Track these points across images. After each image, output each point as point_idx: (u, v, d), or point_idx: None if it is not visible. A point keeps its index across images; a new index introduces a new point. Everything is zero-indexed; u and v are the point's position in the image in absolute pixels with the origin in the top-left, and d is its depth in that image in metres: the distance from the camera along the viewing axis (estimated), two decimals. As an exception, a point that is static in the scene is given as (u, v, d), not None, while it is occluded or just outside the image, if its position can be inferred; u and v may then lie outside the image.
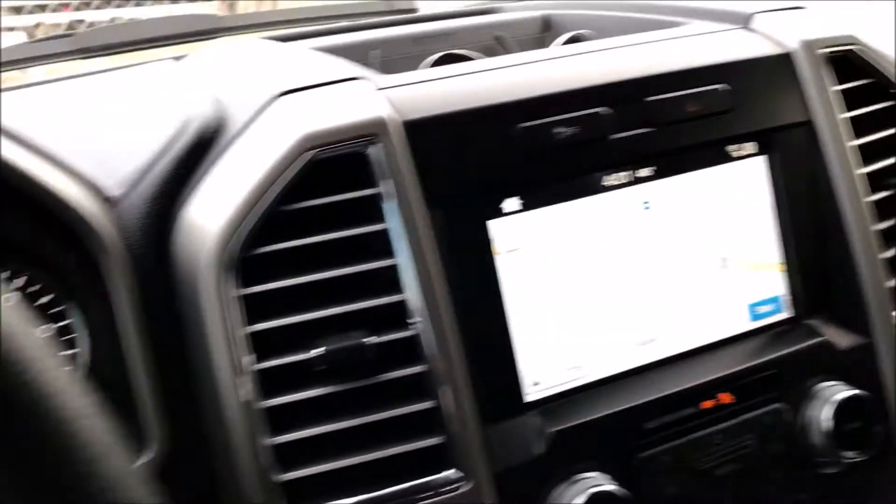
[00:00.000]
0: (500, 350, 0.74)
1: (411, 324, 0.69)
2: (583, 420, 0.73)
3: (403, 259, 0.69)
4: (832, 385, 0.81)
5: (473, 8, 1.33)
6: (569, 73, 0.79)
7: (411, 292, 0.69)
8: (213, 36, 1.35)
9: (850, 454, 0.79)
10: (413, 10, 1.47)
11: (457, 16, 1.24)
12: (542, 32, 1.16)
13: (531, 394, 0.75)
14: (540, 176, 0.75)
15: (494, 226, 0.74)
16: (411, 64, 0.97)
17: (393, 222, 0.69)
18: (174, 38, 1.31)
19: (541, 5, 1.23)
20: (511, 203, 0.75)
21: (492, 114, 0.73)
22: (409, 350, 0.69)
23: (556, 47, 0.93)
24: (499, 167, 0.74)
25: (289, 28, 1.40)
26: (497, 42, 1.13)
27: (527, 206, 0.75)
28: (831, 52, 0.88)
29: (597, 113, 0.76)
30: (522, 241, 0.75)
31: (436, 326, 0.69)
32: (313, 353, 0.66)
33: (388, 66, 1.02)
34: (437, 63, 0.91)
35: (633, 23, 1.00)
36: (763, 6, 0.93)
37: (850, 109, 0.89)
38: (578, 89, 0.77)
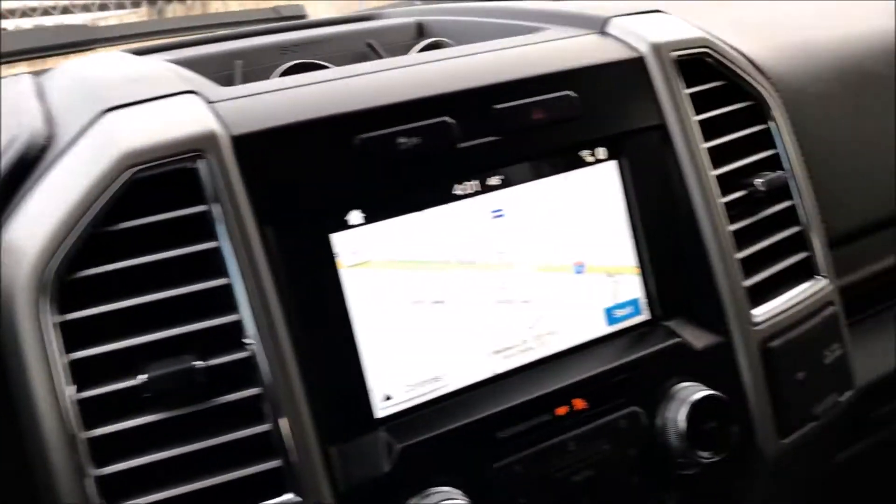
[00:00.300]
0: (347, 367, 0.72)
1: (247, 345, 0.67)
2: (433, 434, 0.72)
3: (236, 278, 0.67)
4: (688, 386, 0.82)
5: (353, 14, 1.32)
6: (414, 81, 0.78)
7: (245, 313, 0.67)
8: (89, 48, 1.31)
9: (705, 455, 0.80)
10: (302, 17, 1.45)
11: (332, 23, 1.23)
12: (417, 39, 1.15)
13: (382, 410, 0.74)
14: (384, 187, 0.74)
15: (338, 239, 0.72)
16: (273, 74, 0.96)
17: (223, 241, 0.67)
18: (42, 50, 1.27)
19: (416, 11, 1.22)
20: (355, 216, 0.73)
21: (330, 125, 0.72)
22: (244, 372, 0.67)
23: (409, 55, 0.92)
24: (340, 179, 0.72)
25: (170, 38, 1.37)
26: (369, 49, 1.12)
27: (371, 219, 0.74)
28: (683, 56, 0.88)
29: (442, 122, 0.75)
30: (369, 253, 0.74)
31: (271, 347, 0.67)
32: (138, 379, 0.63)
33: (249, 77, 0.99)
34: (287, 73, 0.89)
35: (496, 28, 1.00)
36: (621, 10, 0.94)
37: (705, 112, 0.90)
38: (422, 98, 0.76)
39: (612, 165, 0.85)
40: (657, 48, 0.87)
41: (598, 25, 0.91)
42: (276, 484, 0.66)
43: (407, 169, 0.74)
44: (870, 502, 1.55)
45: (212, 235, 0.67)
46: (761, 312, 0.88)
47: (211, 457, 0.65)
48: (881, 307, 1.14)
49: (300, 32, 1.15)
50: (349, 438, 0.71)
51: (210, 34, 1.19)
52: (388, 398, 0.75)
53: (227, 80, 1.01)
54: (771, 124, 0.94)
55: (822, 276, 0.94)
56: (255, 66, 1.03)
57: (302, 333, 0.70)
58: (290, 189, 0.70)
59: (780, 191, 0.92)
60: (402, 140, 0.73)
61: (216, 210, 0.67)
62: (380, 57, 1.07)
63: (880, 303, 1.14)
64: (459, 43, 0.95)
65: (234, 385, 0.66)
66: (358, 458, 0.70)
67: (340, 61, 1.05)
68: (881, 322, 1.13)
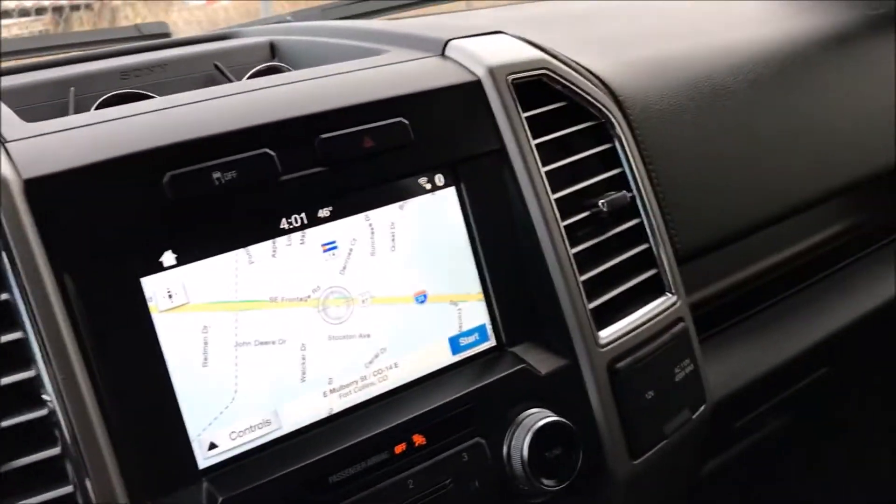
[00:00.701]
0: (163, 417, 0.68)
1: (46, 402, 0.63)
2: (259, 482, 0.69)
3: (30, 332, 0.62)
4: (534, 413, 0.81)
5: (210, 33, 1.27)
6: (234, 112, 0.75)
7: (41, 367, 0.62)
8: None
9: (549, 483, 0.79)
10: (166, 35, 1.39)
11: (186, 43, 1.18)
12: (271, 60, 1.12)
13: (206, 459, 0.70)
14: (200, 225, 0.70)
15: (150, 283, 0.68)
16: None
17: (14, 292, 0.62)
18: None
19: (271, 30, 1.18)
20: (168, 257, 0.69)
21: (136, 162, 0.68)
22: (43, 431, 0.62)
23: (236, 83, 0.88)
24: (150, 219, 0.68)
25: (20, 58, 1.30)
26: (217, 72, 1.08)
27: (187, 259, 0.70)
28: (520, 78, 0.88)
29: (262, 154, 0.72)
30: (186, 296, 0.70)
31: (71, 403, 0.63)
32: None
33: (82, 105, 0.94)
34: (107, 103, 0.85)
35: (341, 50, 0.97)
36: (462, 31, 0.92)
37: (549, 133, 0.90)
38: (239, 130, 0.72)
39: (451, 192, 0.83)
40: (493, 71, 0.86)
41: (438, 48, 0.90)
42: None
43: (225, 205, 0.71)
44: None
45: (3, 286, 0.63)
46: (608, 333, 0.87)
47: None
48: (736, 319, 1.16)
49: (148, 55, 1.10)
50: (168, 492, 0.67)
51: (49, 57, 1.12)
52: (214, 446, 0.71)
53: (61, 109, 0.96)
54: (616, 143, 0.94)
55: (671, 293, 0.94)
56: (91, 93, 0.98)
57: (111, 385, 0.66)
58: (93, 232, 0.66)
59: (625, 210, 0.93)
60: (217, 175, 0.70)
61: (5, 259, 0.62)
62: (227, 80, 1.03)
63: (735, 315, 1.16)
64: (306, 64, 0.92)
65: (32, 446, 0.62)
66: (177, 517, 0.67)
67: (185, 85, 1.02)
68: (737, 333, 1.15)
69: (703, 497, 1.28)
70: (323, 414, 0.76)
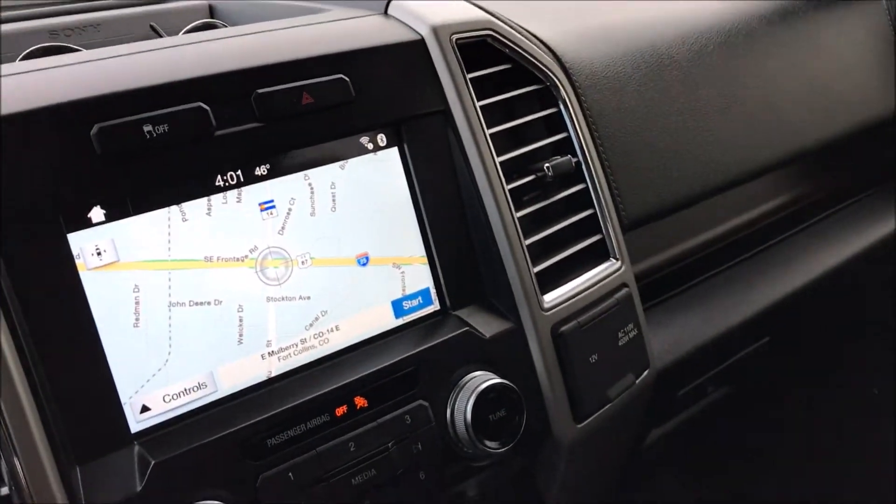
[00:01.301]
0: (92, 378, 0.66)
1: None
2: (193, 445, 0.67)
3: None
4: (477, 376, 0.80)
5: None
6: (168, 65, 0.72)
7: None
8: None
9: (493, 445, 0.78)
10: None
11: (119, 6, 1.14)
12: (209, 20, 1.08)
13: (139, 423, 0.68)
14: (130, 180, 0.68)
15: (78, 239, 0.66)
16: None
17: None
18: None
19: (211, -8, 1.15)
20: (97, 213, 0.66)
21: (61, 114, 0.65)
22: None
23: (170, 37, 0.85)
24: (77, 172, 0.65)
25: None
26: (153, 31, 1.04)
27: (116, 215, 0.67)
28: (464, 38, 0.86)
29: (196, 108, 0.70)
30: (116, 253, 0.67)
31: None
32: None
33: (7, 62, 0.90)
34: (28, 56, 0.81)
35: (283, 10, 0.95)
36: (405, -9, 0.90)
37: (492, 96, 0.88)
38: (172, 82, 0.70)
39: (394, 152, 0.81)
40: (437, 30, 0.84)
41: (381, 7, 0.88)
42: (6, 516, 0.60)
43: (156, 160, 0.68)
44: (681, 477, 1.61)
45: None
46: (552, 298, 0.87)
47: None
48: (679, 289, 1.17)
49: (80, 15, 1.05)
50: (99, 456, 0.65)
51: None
52: (146, 409, 0.69)
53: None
54: (562, 106, 0.94)
55: (615, 258, 0.94)
56: (17, 52, 0.94)
57: (37, 343, 0.63)
58: (17, 185, 0.63)
59: (570, 175, 0.92)
60: (148, 128, 0.67)
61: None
62: (163, 41, 1.00)
63: (678, 286, 1.17)
64: (246, 23, 0.89)
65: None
66: (108, 478, 0.64)
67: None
68: (680, 303, 1.15)
69: (646, 468, 1.29)
70: (262, 377, 0.74)
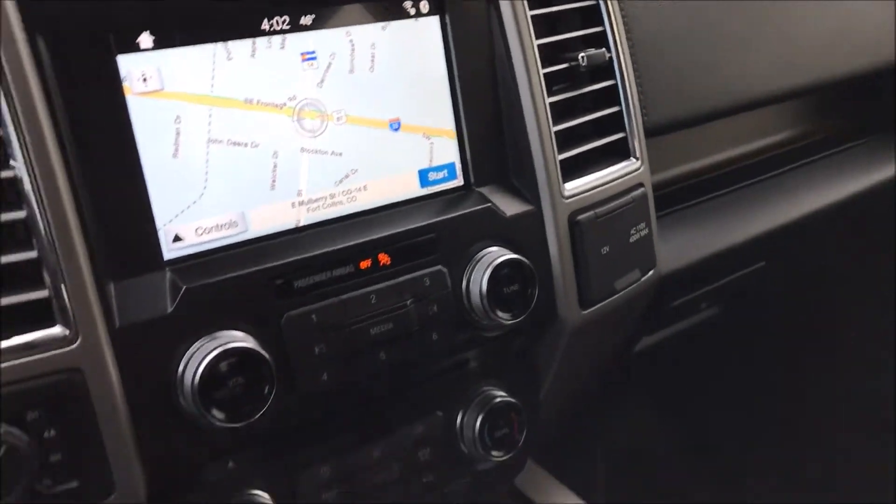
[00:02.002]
0: (131, 201, 0.67)
1: (12, 166, 0.61)
2: (223, 277, 0.69)
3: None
4: (495, 251, 0.82)
5: None
6: None
7: (9, 131, 0.60)
8: None
9: (505, 316, 0.81)
10: None
11: None
12: None
13: (171, 251, 0.70)
14: (182, 11, 0.68)
15: (126, 62, 0.66)
16: None
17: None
18: None
19: None
20: (145, 38, 0.67)
21: (120, -67, 0.65)
22: (9, 193, 0.61)
23: None
24: (129, -4, 0.65)
25: None
26: None
27: (164, 43, 0.68)
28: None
29: (251, -53, 0.70)
30: (163, 81, 0.68)
31: (37, 167, 0.61)
32: None
33: None
34: None
35: None
36: None
37: (535, -20, 0.88)
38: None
39: (435, 21, 0.82)
40: None
41: None
42: (45, 316, 0.61)
43: (209, -7, 0.69)
44: (666, 385, 1.66)
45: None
46: (573, 186, 0.89)
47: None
48: (687, 204, 1.20)
49: None
50: (131, 276, 0.67)
51: None
52: (179, 239, 0.70)
53: None
54: (599, 1, 0.94)
55: (636, 158, 0.96)
56: None
57: (83, 161, 0.64)
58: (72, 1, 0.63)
59: (602, 69, 0.93)
60: (206, -39, 0.67)
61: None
62: None
63: (684, 201, 1.19)
64: None
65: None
66: (140, 296, 0.66)
67: None
68: (686, 217, 1.18)
69: (635, 375, 1.34)
70: (290, 224, 0.76)
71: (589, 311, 0.91)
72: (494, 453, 0.88)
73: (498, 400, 0.88)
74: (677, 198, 1.20)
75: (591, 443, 1.81)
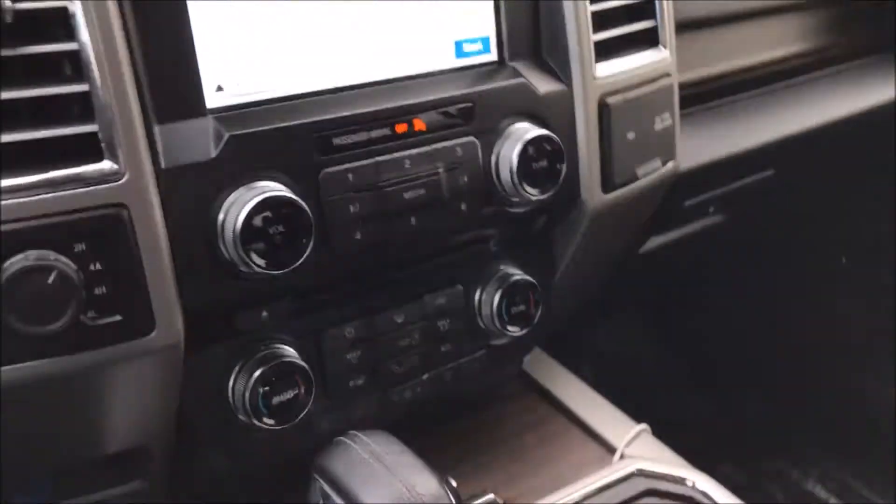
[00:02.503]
0: (178, 47, 0.67)
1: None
2: (265, 127, 0.69)
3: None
4: (526, 126, 0.83)
5: None
6: None
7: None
8: None
9: (533, 191, 0.82)
10: None
11: None
12: None
13: (214, 99, 0.70)
14: None
15: None
16: None
17: None
18: None
19: None
20: None
21: None
22: (61, 26, 0.61)
23: None
24: None
25: None
26: None
27: None
28: None
29: None
30: (210, -74, 0.67)
31: (95, 5, 0.61)
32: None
33: None
34: None
35: None
36: None
37: None
38: None
39: None
40: None
41: None
42: (94, 151, 0.62)
43: None
44: (672, 285, 1.70)
45: None
46: (604, 69, 0.89)
47: (29, 112, 0.60)
48: (705, 105, 1.21)
49: None
50: (177, 120, 0.67)
51: None
52: (221, 89, 0.71)
53: None
54: None
55: (665, 47, 0.96)
56: None
57: (132, 6, 0.64)
58: None
59: (639, -46, 0.93)
60: None
61: None
62: None
63: (705, 102, 1.20)
64: None
65: (50, 38, 0.60)
66: (184, 140, 0.67)
67: None
68: (702, 119, 1.19)
69: (640, 275, 1.37)
70: (328, 84, 0.76)
71: (611, 194, 0.92)
72: (510, 328, 0.91)
73: (516, 278, 0.91)
74: (692, 100, 1.21)
75: (586, 348, 1.86)
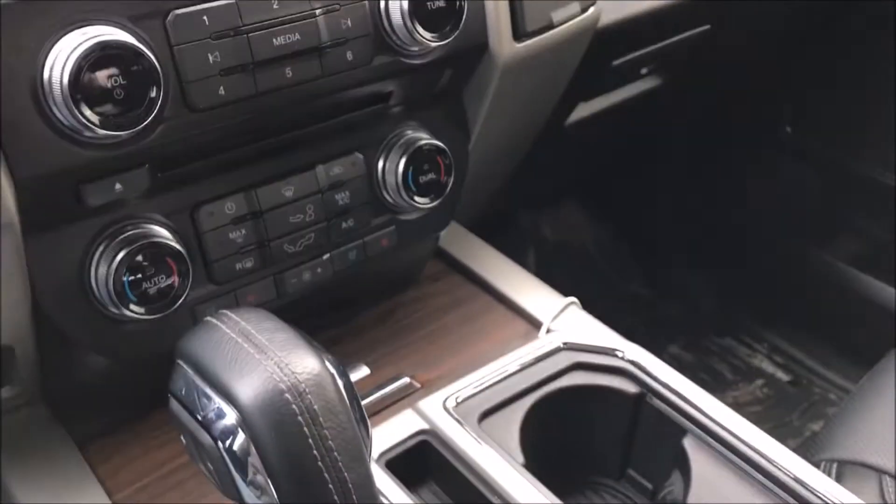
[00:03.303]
0: None
1: None
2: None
3: None
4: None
5: None
6: None
7: None
8: None
9: (429, 36, 0.72)
10: None
11: None
12: None
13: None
14: None
15: None
16: None
17: None
18: None
19: None
20: None
21: None
22: None
23: None
24: None
25: None
26: None
27: None
28: None
29: None
30: None
31: None
32: None
33: None
34: None
35: None
36: None
37: None
38: None
39: None
40: None
41: None
42: None
43: None
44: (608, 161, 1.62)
45: None
46: None
47: None
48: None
49: None
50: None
51: None
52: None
53: None
54: None
55: None
56: None
57: None
58: None
59: None
60: None
61: None
62: None
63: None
64: None
65: None
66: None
67: None
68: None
69: (564, 143, 1.29)
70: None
71: (522, 44, 0.83)
72: (419, 200, 0.82)
73: (423, 142, 0.81)
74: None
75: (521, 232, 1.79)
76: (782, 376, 1.85)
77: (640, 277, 2.00)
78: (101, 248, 0.67)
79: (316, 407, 0.49)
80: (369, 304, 0.96)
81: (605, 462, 0.89)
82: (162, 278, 0.67)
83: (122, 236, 0.67)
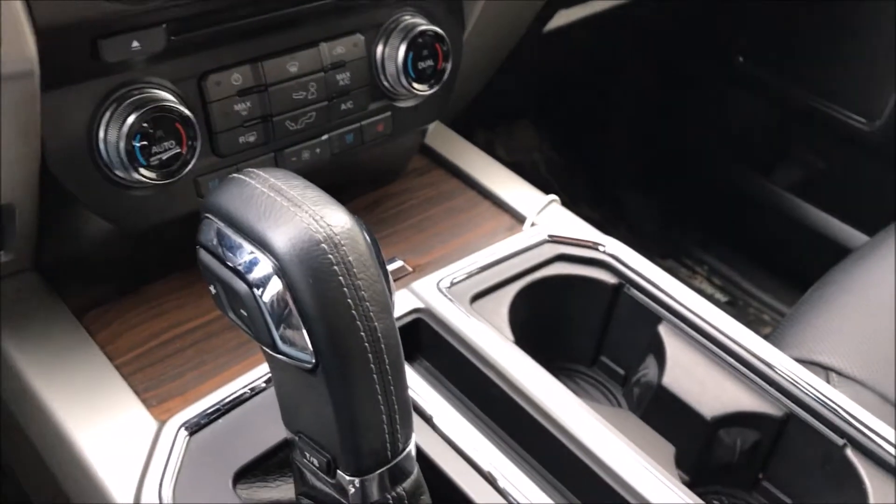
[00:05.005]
0: None
1: None
2: None
3: None
4: None
5: None
6: None
7: None
8: None
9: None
10: None
11: None
12: None
13: None
14: None
15: None
16: None
17: None
18: None
19: None
20: None
21: None
22: None
23: None
24: None
25: None
26: None
27: None
28: None
29: None
30: None
31: None
32: None
33: None
34: None
35: None
36: None
37: None
38: None
39: None
40: None
41: None
42: None
43: None
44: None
45: None
46: None
47: None
48: None
49: None
50: None
51: None
52: None
53: None
54: None
55: None
56: None
57: None
58: None
59: None
60: None
61: None
62: None
63: None
64: None
65: None
66: None
67: None
68: None
69: (533, 57, 1.30)
70: None
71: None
72: (417, 86, 0.83)
73: (423, 27, 0.82)
74: None
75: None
76: (720, 297, 1.94)
77: (588, 200, 2.04)
78: (111, 110, 0.66)
79: (350, 258, 0.50)
80: (357, 193, 0.97)
81: (581, 349, 0.94)
82: (172, 143, 0.67)
83: (131, 99, 0.66)
